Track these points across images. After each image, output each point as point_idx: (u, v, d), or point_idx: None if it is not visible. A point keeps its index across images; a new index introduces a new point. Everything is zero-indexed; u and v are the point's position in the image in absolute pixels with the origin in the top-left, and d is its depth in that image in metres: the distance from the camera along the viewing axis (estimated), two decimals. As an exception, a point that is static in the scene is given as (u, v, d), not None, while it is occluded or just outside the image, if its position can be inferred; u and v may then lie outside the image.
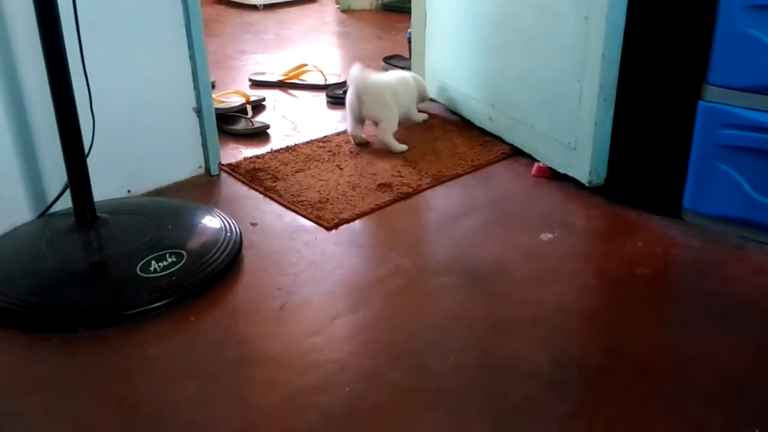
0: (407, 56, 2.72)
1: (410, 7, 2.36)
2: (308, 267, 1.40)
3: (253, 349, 1.15)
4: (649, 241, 1.45)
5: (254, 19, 3.63)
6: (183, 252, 1.38)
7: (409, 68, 2.45)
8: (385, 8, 3.88)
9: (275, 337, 1.18)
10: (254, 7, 3.80)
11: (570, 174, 1.70)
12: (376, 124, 1.97)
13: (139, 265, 1.32)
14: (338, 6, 3.89)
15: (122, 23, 1.60)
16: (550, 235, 1.49)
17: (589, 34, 1.56)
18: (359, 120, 1.98)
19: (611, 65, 1.54)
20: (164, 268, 1.33)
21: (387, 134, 1.95)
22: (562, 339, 1.17)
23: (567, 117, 1.67)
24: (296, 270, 1.39)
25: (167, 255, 1.36)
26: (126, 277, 1.30)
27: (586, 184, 1.65)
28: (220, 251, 1.42)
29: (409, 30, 2.72)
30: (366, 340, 1.17)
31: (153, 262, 1.33)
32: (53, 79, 1.34)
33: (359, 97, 1.93)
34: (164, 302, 1.26)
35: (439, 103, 2.28)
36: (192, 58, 1.72)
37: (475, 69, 2.04)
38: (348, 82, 1.98)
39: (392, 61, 2.76)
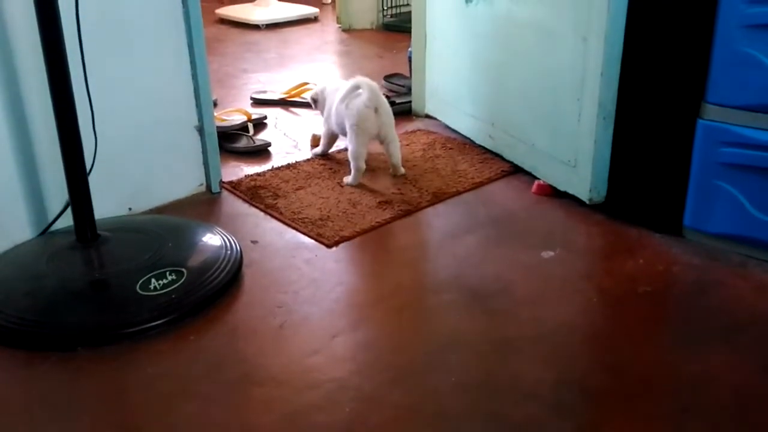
0: (408, 75, 2.74)
1: (410, 27, 2.38)
2: (309, 285, 1.39)
3: (253, 368, 1.15)
4: (650, 259, 1.45)
5: (256, 39, 3.65)
6: (183, 270, 1.38)
7: (409, 87, 2.47)
8: (386, 27, 3.91)
9: (275, 355, 1.18)
10: (256, 27, 3.83)
11: (570, 192, 1.70)
12: (381, 142, 1.85)
13: (139, 283, 1.32)
14: (339, 25, 3.92)
15: (125, 42, 1.61)
16: (551, 253, 1.49)
17: (587, 54, 1.57)
18: (369, 140, 1.81)
19: (610, 84, 1.55)
20: (164, 286, 1.32)
21: (399, 153, 1.86)
22: (564, 358, 1.16)
23: (567, 135, 1.67)
24: (296, 288, 1.38)
25: (167, 273, 1.36)
26: (126, 295, 1.30)
27: (587, 202, 1.65)
28: (220, 269, 1.42)
29: (409, 49, 2.73)
30: (366, 359, 1.16)
31: (153, 280, 1.33)
32: (55, 97, 1.35)
33: (377, 110, 1.76)
34: (164, 320, 1.26)
35: (440, 120, 2.29)
36: (194, 76, 1.74)
37: (475, 87, 2.05)
38: (345, 95, 1.80)
39: (393, 79, 2.78)
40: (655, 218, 1.56)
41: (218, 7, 4.04)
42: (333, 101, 1.91)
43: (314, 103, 2.08)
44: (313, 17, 4.07)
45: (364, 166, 1.84)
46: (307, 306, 1.32)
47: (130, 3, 1.59)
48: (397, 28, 3.81)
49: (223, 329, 1.25)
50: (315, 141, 2.12)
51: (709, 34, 1.38)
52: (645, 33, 1.49)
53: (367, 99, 1.77)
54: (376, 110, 1.78)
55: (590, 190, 1.63)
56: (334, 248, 1.54)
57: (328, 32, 3.92)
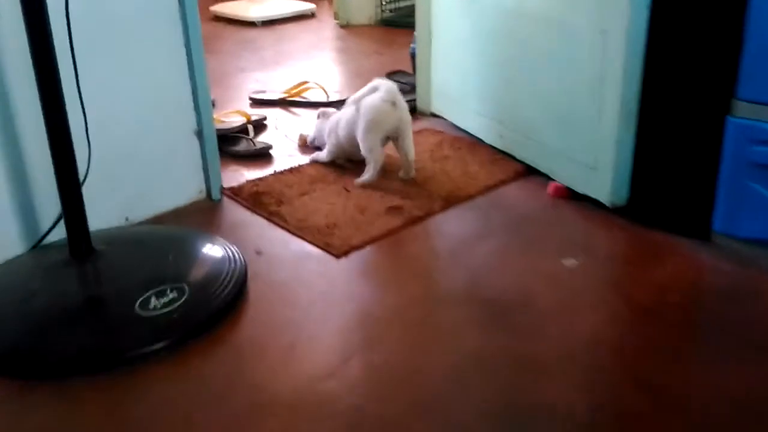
0: (411, 72, 2.65)
1: (409, 22, 2.30)
2: (318, 299, 1.31)
3: (264, 395, 1.07)
4: (678, 267, 1.37)
5: (252, 36, 3.56)
6: (185, 286, 1.29)
7: (413, 84, 2.38)
8: (384, 23, 3.82)
9: (286, 380, 1.10)
10: (252, 24, 3.74)
11: (590, 194, 1.62)
12: (395, 140, 1.77)
13: (139, 301, 1.24)
14: (337, 21, 3.83)
15: (119, 43, 1.53)
16: (573, 261, 1.41)
17: (607, 49, 1.48)
18: (385, 138, 1.75)
19: (632, 80, 1.47)
20: (165, 304, 1.24)
21: (413, 153, 1.78)
22: (595, 378, 1.08)
23: (585, 135, 1.59)
24: (305, 303, 1.30)
25: (168, 290, 1.28)
26: (124, 315, 1.22)
27: (608, 206, 1.57)
28: (224, 284, 1.34)
29: (411, 45, 2.65)
30: (384, 383, 1.08)
31: (153, 298, 1.25)
32: (45, 101, 1.26)
33: (395, 105, 1.71)
34: (165, 343, 1.17)
35: (446, 119, 2.21)
36: (192, 78, 1.65)
37: (483, 85, 1.97)
38: (358, 96, 1.76)
39: (395, 77, 2.69)
40: (681, 222, 1.48)
41: (213, 4, 3.94)
42: (341, 115, 1.86)
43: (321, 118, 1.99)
44: (309, 13, 3.98)
45: (381, 160, 1.76)
46: (317, 323, 1.24)
47: (123, 1, 1.51)
48: (396, 23, 3.73)
49: (229, 351, 1.17)
50: (303, 140, 2.06)
51: (740, 25, 1.30)
52: (670, 24, 1.41)
53: (385, 93, 1.72)
54: (393, 104, 1.72)
55: (612, 193, 1.55)
56: (343, 258, 1.46)
57: (326, 28, 3.83)
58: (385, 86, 1.74)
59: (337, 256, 1.47)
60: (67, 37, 1.32)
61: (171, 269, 1.35)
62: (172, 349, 1.17)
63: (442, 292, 1.33)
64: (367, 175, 1.76)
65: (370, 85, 1.78)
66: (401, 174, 1.81)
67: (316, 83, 2.55)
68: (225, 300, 1.29)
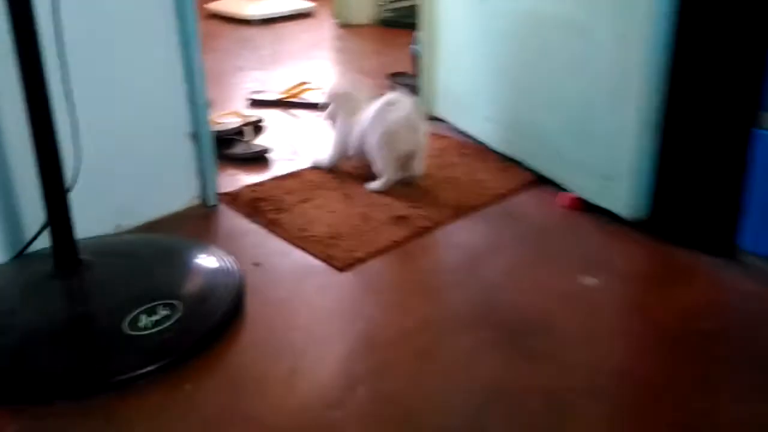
0: (413, 73, 2.57)
1: (410, 23, 2.21)
2: (321, 318, 1.22)
3: (262, 428, 0.98)
4: (705, 288, 1.29)
5: (250, 34, 3.47)
6: (177, 303, 1.20)
7: (415, 86, 2.30)
8: (384, 23, 3.74)
9: (287, 410, 1.01)
10: (250, 22, 3.65)
11: (606, 207, 1.53)
12: (411, 159, 1.68)
13: (127, 319, 1.15)
14: (336, 20, 3.75)
15: (111, 40, 1.44)
16: (593, 280, 1.32)
17: (628, 54, 1.40)
18: (400, 164, 1.67)
19: (655, 88, 1.39)
20: (156, 323, 1.15)
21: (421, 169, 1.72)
22: (627, 417, 1.00)
23: (602, 144, 1.51)
24: (307, 322, 1.21)
25: (159, 307, 1.18)
26: (112, 335, 1.12)
27: (626, 219, 1.48)
28: (219, 300, 1.25)
29: (412, 45, 2.56)
30: (394, 417, 0.99)
31: (143, 316, 1.16)
32: (30, 101, 1.16)
33: (415, 129, 1.64)
34: (156, 366, 1.08)
35: (451, 123, 2.12)
36: (188, 77, 1.56)
37: (493, 89, 1.88)
38: (378, 111, 1.64)
39: (399, 78, 2.61)
40: (706, 239, 1.40)
41: (209, 2, 3.85)
42: (357, 115, 1.74)
43: (329, 107, 1.83)
44: (308, 12, 3.90)
45: (395, 177, 1.69)
46: (320, 345, 1.15)
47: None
48: (396, 23, 3.64)
49: (224, 376, 1.08)
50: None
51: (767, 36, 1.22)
52: (696, 30, 1.33)
53: (408, 115, 1.63)
54: (414, 129, 1.65)
55: (630, 205, 1.47)
56: (347, 272, 1.37)
57: (325, 28, 3.75)
58: (406, 105, 1.64)
59: (341, 269, 1.38)
60: (54, 32, 1.23)
61: (163, 283, 1.26)
62: (162, 373, 1.07)
63: (454, 312, 1.24)
64: (379, 183, 1.69)
65: (386, 98, 1.67)
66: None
67: (319, 87, 2.46)
68: (220, 318, 1.20)
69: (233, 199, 1.68)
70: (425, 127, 1.70)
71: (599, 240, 1.47)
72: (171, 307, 1.19)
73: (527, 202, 1.65)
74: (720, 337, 1.16)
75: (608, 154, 1.49)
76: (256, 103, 2.41)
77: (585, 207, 1.59)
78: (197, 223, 1.59)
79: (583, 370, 1.08)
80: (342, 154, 1.79)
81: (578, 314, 1.22)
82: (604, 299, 1.27)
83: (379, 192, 1.68)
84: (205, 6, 3.77)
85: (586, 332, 1.17)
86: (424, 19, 2.16)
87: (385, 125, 1.63)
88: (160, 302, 1.19)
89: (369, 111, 1.69)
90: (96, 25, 1.41)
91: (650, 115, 1.41)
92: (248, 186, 1.74)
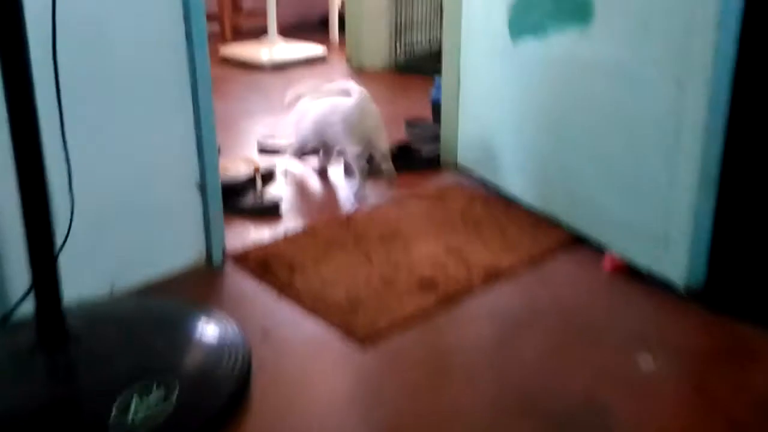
0: (432, 120, 2.45)
1: (425, 67, 2.13)
2: (336, 403, 1.06)
3: None
4: (779, 371, 1.13)
5: (262, 79, 3.39)
6: (174, 381, 1.04)
7: (436, 133, 2.18)
8: (399, 68, 3.66)
9: None
10: (262, 67, 3.58)
11: (657, 273, 1.37)
12: (373, 140, 1.87)
13: (117, 403, 0.99)
14: (349, 65, 3.67)
15: (115, 81, 1.33)
16: (649, 360, 1.16)
17: (684, 102, 1.27)
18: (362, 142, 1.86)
19: (714, 140, 1.25)
20: (149, 406, 0.99)
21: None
22: None
23: (652, 202, 1.36)
24: (322, 409, 1.05)
25: (154, 386, 1.03)
26: (99, 423, 0.96)
27: (682, 289, 1.32)
28: (222, 378, 1.09)
29: (432, 91, 2.46)
30: None
31: (135, 398, 1.00)
32: (19, 147, 1.03)
33: (366, 114, 1.85)
34: (146, 465, 0.92)
35: (475, 173, 1.98)
36: (198, 124, 1.43)
37: (524, 138, 1.75)
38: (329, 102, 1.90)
39: (415, 124, 2.49)
40: (774, 312, 1.25)
41: (222, 46, 3.79)
42: (312, 110, 1.99)
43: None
44: (321, 57, 3.83)
45: (366, 165, 1.88)
46: (339, 439, 0.98)
47: (121, 34, 1.31)
48: (412, 68, 3.57)
49: (227, 477, 0.92)
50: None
51: None
52: (760, 76, 1.20)
53: (360, 101, 1.84)
54: (368, 112, 1.84)
55: (686, 274, 1.31)
56: (368, 347, 1.21)
57: (337, 72, 3.67)
58: (362, 99, 1.84)
59: (361, 342, 1.22)
60: (53, 73, 1.10)
61: (159, 358, 1.11)
62: (154, 474, 0.91)
63: (489, 398, 1.08)
64: (353, 181, 1.88)
65: (339, 86, 1.92)
66: (386, 176, 1.91)
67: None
68: (222, 402, 1.04)
69: (241, 256, 1.53)
70: (377, 110, 1.89)
71: (651, 312, 1.31)
72: (167, 386, 1.03)
73: (566, 264, 1.50)
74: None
75: (660, 213, 1.34)
76: (266, 150, 2.29)
77: (631, 271, 1.43)
78: (201, 284, 1.44)
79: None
80: (304, 146, 2.01)
81: (635, 402, 1.06)
82: (666, 384, 1.10)
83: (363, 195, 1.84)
84: (220, 51, 3.71)
85: (645, 425, 1.00)
86: (446, 63, 2.05)
87: (344, 114, 1.84)
88: (155, 380, 1.04)
89: (324, 106, 1.93)
90: (98, 65, 1.30)
91: (709, 170, 1.26)
92: (258, 243, 1.60)
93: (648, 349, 1.18)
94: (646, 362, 1.15)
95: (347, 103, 1.85)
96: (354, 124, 1.83)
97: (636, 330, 1.25)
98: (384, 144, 1.89)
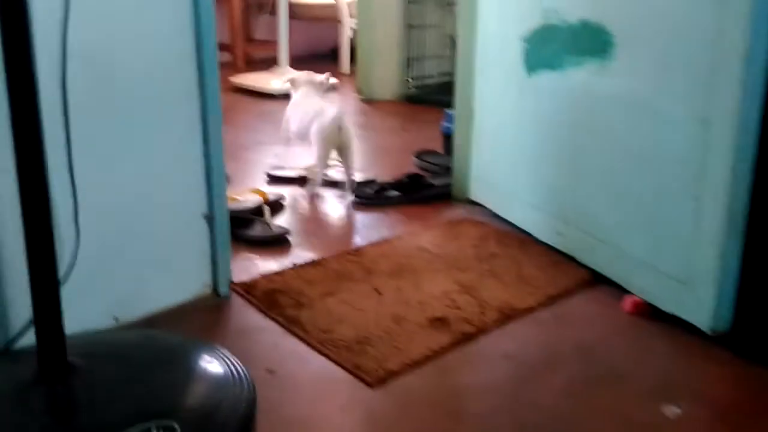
0: (442, 152, 2.42)
1: (436, 99, 2.10)
2: (348, 449, 1.00)
3: None
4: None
5: (271, 108, 3.38)
6: (174, 425, 0.98)
7: (446, 166, 2.15)
8: (409, 99, 3.65)
9: None
10: (271, 96, 3.57)
11: (681, 315, 1.32)
12: (342, 153, 2.06)
13: (113, 446, 0.93)
14: (359, 96, 3.67)
15: (124, 111, 1.29)
16: (676, 409, 1.09)
17: (709, 141, 1.23)
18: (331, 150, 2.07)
19: (741, 179, 1.21)
20: (146, 452, 0.94)
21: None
22: None
23: (676, 242, 1.31)
24: (331, 453, 0.99)
25: (152, 429, 0.97)
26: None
27: (708, 333, 1.27)
28: (225, 419, 1.03)
29: (443, 123, 2.43)
30: None
31: (132, 442, 0.95)
32: (24, 175, 0.98)
33: (341, 129, 2.04)
34: None
35: (487, 208, 1.94)
36: (207, 155, 1.40)
37: (540, 173, 1.71)
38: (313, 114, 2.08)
39: (426, 157, 2.46)
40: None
41: (233, 75, 3.80)
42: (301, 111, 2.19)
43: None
44: (331, 87, 3.83)
45: (324, 169, 2.11)
46: (347, 488, 0.92)
47: (132, 64, 1.28)
48: (422, 100, 3.56)
49: None
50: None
51: None
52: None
53: (335, 117, 2.03)
54: (340, 129, 2.03)
55: (712, 317, 1.25)
56: (378, 389, 1.15)
57: (348, 103, 3.66)
58: (334, 111, 2.05)
59: (371, 384, 1.17)
60: (62, 103, 1.08)
61: (160, 396, 1.05)
62: None
63: (510, 446, 1.02)
64: (314, 183, 2.10)
65: (318, 106, 2.12)
66: (347, 187, 2.07)
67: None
68: (226, 446, 0.98)
69: (248, 289, 1.49)
70: (350, 128, 2.10)
71: (676, 357, 1.25)
72: (166, 430, 0.98)
73: (584, 305, 1.44)
74: None
75: (684, 253, 1.29)
76: (275, 180, 2.26)
77: (652, 312, 1.38)
78: (205, 317, 1.39)
79: None
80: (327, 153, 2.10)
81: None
82: (693, 435, 1.04)
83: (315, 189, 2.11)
84: (230, 79, 3.72)
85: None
86: (459, 95, 2.02)
87: (319, 125, 2.04)
88: (153, 424, 0.98)
89: (312, 107, 2.13)
90: (107, 95, 1.27)
91: (735, 209, 1.22)
92: (265, 275, 1.55)
93: (673, 397, 1.12)
94: (672, 412, 1.09)
95: (328, 111, 2.08)
96: (326, 128, 2.04)
97: (660, 375, 1.19)
98: (352, 161, 2.08)
